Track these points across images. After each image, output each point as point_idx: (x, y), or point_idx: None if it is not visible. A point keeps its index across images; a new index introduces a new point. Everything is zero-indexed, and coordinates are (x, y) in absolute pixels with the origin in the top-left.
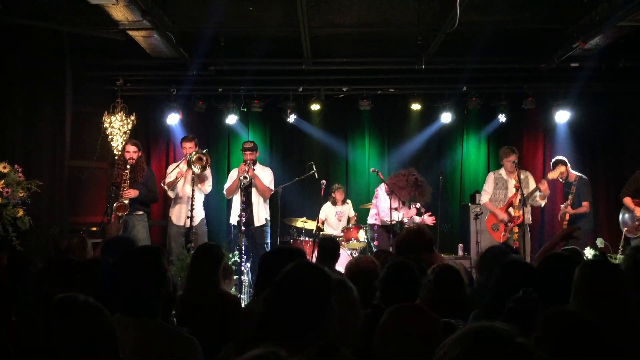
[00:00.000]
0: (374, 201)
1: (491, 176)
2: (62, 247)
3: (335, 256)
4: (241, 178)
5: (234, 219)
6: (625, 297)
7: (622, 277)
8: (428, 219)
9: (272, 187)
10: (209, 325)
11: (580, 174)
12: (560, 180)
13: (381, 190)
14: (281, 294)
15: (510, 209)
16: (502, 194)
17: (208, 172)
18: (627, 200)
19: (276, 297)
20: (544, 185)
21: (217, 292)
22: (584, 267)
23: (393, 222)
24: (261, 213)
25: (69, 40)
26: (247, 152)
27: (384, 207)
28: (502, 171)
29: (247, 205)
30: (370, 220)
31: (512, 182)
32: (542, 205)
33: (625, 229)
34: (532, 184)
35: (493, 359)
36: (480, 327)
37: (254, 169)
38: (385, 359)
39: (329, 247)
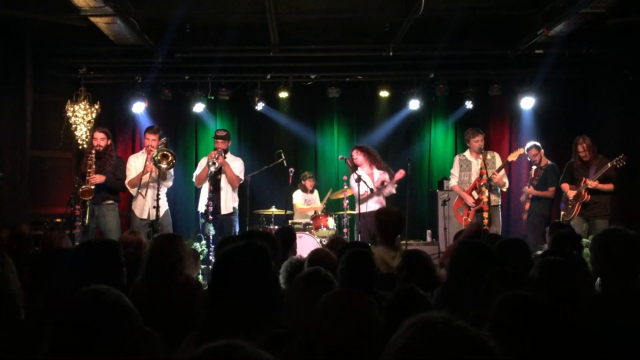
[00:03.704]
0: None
1: (456, 159)
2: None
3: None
4: (209, 164)
5: (201, 207)
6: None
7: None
8: (398, 175)
9: (242, 177)
10: (167, 313)
11: (551, 162)
12: (534, 166)
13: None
14: (218, 281)
15: (474, 192)
16: (467, 175)
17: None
18: (565, 186)
19: (215, 285)
20: (497, 177)
21: (176, 279)
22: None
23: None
24: (229, 201)
25: (29, 27)
26: (219, 141)
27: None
28: (467, 153)
29: (214, 193)
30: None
31: (476, 164)
32: (504, 189)
33: (563, 212)
34: (499, 164)
35: (433, 343)
36: (420, 316)
37: (224, 157)
38: (321, 342)
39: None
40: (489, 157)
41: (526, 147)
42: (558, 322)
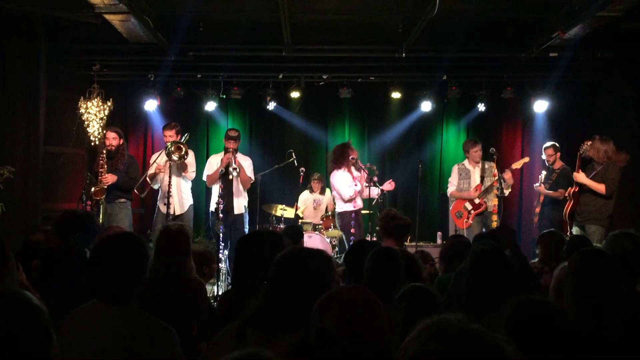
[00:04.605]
0: (333, 193)
1: (455, 168)
2: (34, 240)
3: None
4: (230, 170)
5: (213, 206)
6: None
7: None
8: (387, 185)
9: (253, 177)
10: (169, 311)
11: (566, 165)
12: (547, 164)
13: (333, 178)
14: (279, 283)
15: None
16: (466, 183)
17: (190, 158)
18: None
19: (274, 285)
20: (508, 175)
21: (179, 278)
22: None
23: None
24: (240, 201)
25: (43, 23)
26: (231, 141)
27: (341, 187)
28: (466, 162)
29: (226, 193)
30: (339, 209)
31: (476, 172)
32: (506, 194)
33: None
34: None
35: (449, 348)
36: (434, 319)
37: (235, 157)
38: (313, 324)
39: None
40: (486, 166)
41: (544, 146)
42: (571, 326)
